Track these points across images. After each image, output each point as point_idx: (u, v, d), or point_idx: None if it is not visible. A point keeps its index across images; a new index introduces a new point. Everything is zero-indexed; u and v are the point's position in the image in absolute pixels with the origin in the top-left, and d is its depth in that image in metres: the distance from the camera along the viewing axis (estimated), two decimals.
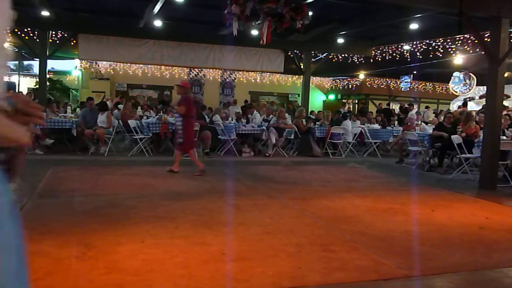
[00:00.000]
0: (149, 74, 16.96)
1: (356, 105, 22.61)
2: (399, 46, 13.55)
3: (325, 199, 6.00)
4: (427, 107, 18.60)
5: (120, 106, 12.28)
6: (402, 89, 20.48)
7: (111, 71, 17.05)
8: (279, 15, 7.11)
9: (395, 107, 19.51)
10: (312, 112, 14.78)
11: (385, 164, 9.99)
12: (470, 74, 15.04)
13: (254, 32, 9.55)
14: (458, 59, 13.81)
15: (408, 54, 13.79)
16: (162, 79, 17.45)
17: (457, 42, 12.10)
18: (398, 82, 20.65)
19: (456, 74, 15.54)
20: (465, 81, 15.31)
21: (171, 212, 4.94)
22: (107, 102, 12.28)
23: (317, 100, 22.32)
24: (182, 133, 7.42)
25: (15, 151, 1.11)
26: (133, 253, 3.52)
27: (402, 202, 5.95)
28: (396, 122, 13.72)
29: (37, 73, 13.51)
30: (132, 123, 9.66)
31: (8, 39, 1.01)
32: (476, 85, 15.07)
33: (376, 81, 21.00)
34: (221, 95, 19.29)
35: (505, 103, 11.95)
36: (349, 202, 5.86)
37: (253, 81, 19.01)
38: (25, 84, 18.06)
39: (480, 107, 12.94)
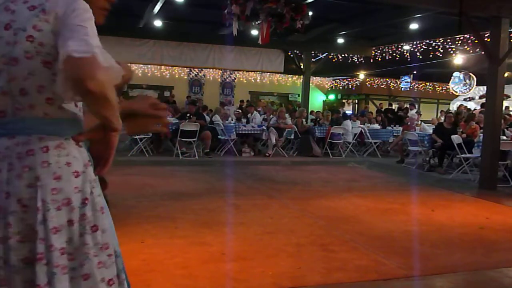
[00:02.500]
0: (149, 74, 16.95)
1: (357, 105, 22.61)
2: (399, 46, 13.54)
3: (325, 199, 6.00)
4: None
5: None
6: (402, 89, 20.47)
7: None
8: (279, 15, 7.11)
9: (395, 107, 19.49)
10: (312, 112, 14.79)
11: (385, 164, 9.99)
12: (470, 74, 15.04)
13: (254, 32, 9.54)
14: (458, 59, 13.80)
15: (408, 54, 13.78)
16: (162, 79, 17.44)
17: (457, 42, 12.10)
18: (398, 82, 20.64)
19: (456, 74, 15.54)
20: (465, 81, 15.31)
21: (171, 212, 4.94)
22: None
23: (317, 100, 22.31)
24: None
25: (106, 136, 1.20)
26: (133, 253, 3.52)
27: (402, 202, 5.95)
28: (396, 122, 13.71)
29: None
30: None
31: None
32: (476, 85, 15.07)
33: (376, 81, 20.99)
34: (221, 95, 19.26)
35: (505, 103, 11.95)
36: (349, 202, 5.86)
37: (253, 81, 19.01)
38: None
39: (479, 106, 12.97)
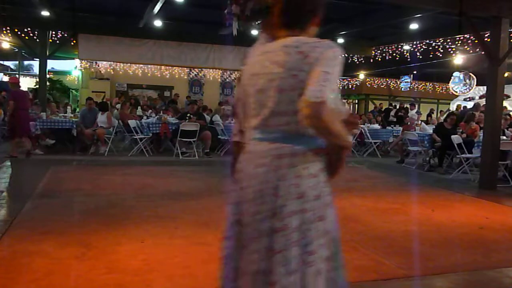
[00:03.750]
0: (149, 74, 16.94)
1: (357, 105, 22.62)
2: (399, 46, 13.55)
3: None
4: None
5: (117, 106, 12.30)
6: (402, 89, 20.49)
7: (111, 71, 17.03)
8: None
9: (394, 106, 19.47)
10: None
11: (385, 164, 10.00)
12: (470, 74, 15.03)
13: (254, 32, 9.54)
14: (458, 59, 13.81)
15: (408, 54, 13.79)
16: (162, 79, 17.44)
17: (457, 42, 12.11)
18: (398, 82, 20.66)
19: (456, 74, 15.54)
20: (465, 81, 15.31)
21: (171, 212, 4.94)
22: (113, 101, 12.31)
23: None
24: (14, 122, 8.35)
25: (338, 152, 1.61)
26: (133, 253, 3.52)
27: (402, 202, 5.95)
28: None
29: (37, 73, 13.53)
30: (132, 123, 9.66)
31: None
32: (476, 85, 15.07)
33: (376, 81, 21.01)
34: (221, 95, 19.27)
35: (505, 103, 11.95)
36: (349, 202, 5.86)
37: None
38: (25, 84, 18.05)
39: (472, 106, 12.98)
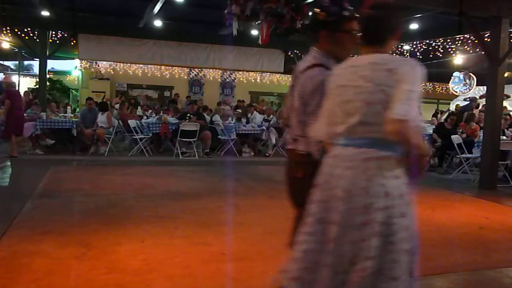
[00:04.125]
0: (149, 74, 16.92)
1: None
2: (399, 46, 13.54)
3: None
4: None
5: (116, 106, 12.29)
6: None
7: (111, 71, 17.01)
8: (279, 15, 7.10)
9: None
10: None
11: None
12: (470, 74, 15.02)
13: (254, 32, 9.54)
14: (458, 59, 13.80)
15: (408, 54, 13.78)
16: (162, 79, 17.42)
17: (457, 42, 12.10)
18: None
19: (456, 74, 15.52)
20: (465, 81, 15.29)
21: (171, 212, 4.93)
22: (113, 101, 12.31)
23: None
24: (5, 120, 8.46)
25: (417, 159, 1.78)
26: (133, 253, 3.52)
27: None
28: None
29: (37, 73, 13.52)
30: (132, 123, 9.66)
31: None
32: (476, 85, 15.06)
33: None
34: (221, 95, 19.25)
35: (505, 103, 11.95)
36: None
37: (253, 81, 18.98)
38: (25, 84, 18.04)
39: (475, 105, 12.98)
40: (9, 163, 7.88)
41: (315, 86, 2.06)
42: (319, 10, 2.13)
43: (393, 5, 1.93)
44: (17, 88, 11.03)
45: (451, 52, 13.16)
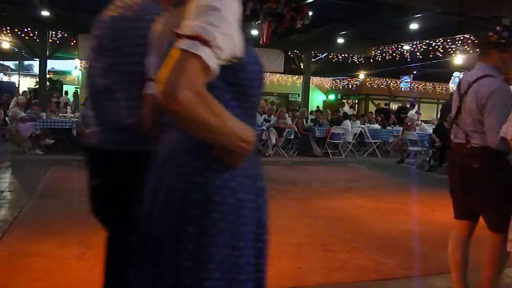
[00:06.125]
0: None
1: (357, 104, 22.60)
2: (399, 46, 13.55)
3: (325, 199, 6.00)
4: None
5: None
6: (402, 89, 20.46)
7: None
8: (279, 15, 7.11)
9: (395, 107, 19.48)
10: (312, 112, 14.78)
11: (385, 164, 10.00)
12: None
13: (254, 32, 9.55)
14: (458, 59, 13.81)
15: (408, 54, 13.78)
16: None
17: (457, 42, 12.10)
18: (398, 82, 20.64)
19: (456, 74, 15.52)
20: None
21: None
22: None
23: (317, 100, 22.32)
24: None
25: None
26: None
27: (402, 202, 5.95)
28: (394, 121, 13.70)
29: (37, 73, 13.52)
30: None
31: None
32: None
33: (376, 81, 21.00)
34: None
35: None
36: (349, 202, 5.86)
37: None
38: (25, 84, 18.06)
39: None
40: (9, 163, 7.88)
41: (491, 90, 2.51)
42: (492, 33, 2.63)
43: None
44: (17, 88, 11.04)
45: (451, 52, 13.16)
